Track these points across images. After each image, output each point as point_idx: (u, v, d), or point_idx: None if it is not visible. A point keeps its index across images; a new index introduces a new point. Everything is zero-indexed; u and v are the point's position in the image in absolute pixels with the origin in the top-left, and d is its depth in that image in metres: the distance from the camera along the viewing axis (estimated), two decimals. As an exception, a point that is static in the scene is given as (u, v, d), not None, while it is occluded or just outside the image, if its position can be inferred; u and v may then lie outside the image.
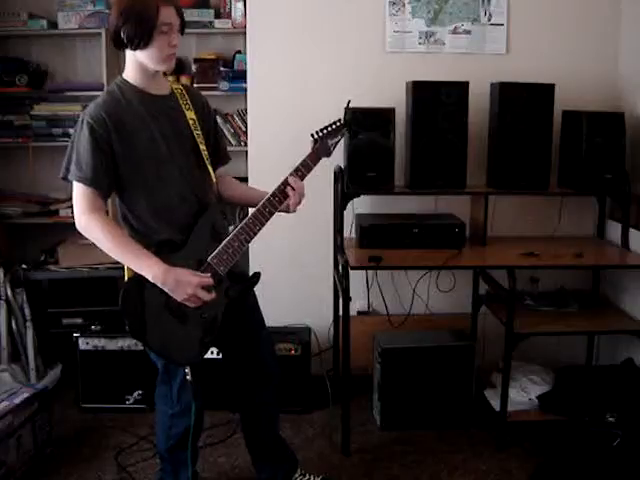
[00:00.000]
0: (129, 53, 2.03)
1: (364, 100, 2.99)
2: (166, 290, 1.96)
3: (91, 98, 3.50)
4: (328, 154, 2.22)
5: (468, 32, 3.22)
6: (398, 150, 2.99)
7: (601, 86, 3.24)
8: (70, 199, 3.64)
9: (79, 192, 1.98)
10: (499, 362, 2.91)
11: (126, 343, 3.09)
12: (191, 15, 3.36)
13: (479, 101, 3.06)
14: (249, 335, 2.30)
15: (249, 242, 2.09)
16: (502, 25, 3.22)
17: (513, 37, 3.23)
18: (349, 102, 2.31)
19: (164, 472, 2.35)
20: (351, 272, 2.74)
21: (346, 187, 2.94)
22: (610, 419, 2.65)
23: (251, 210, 2.15)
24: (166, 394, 2.23)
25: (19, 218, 3.55)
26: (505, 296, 2.76)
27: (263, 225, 2.09)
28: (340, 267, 2.84)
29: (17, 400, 2.59)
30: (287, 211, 2.15)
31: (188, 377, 2.09)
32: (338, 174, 3.03)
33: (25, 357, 3.24)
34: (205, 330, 2.07)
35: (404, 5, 3.19)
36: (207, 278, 2.01)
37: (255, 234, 2.08)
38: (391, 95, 3.07)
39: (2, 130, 3.52)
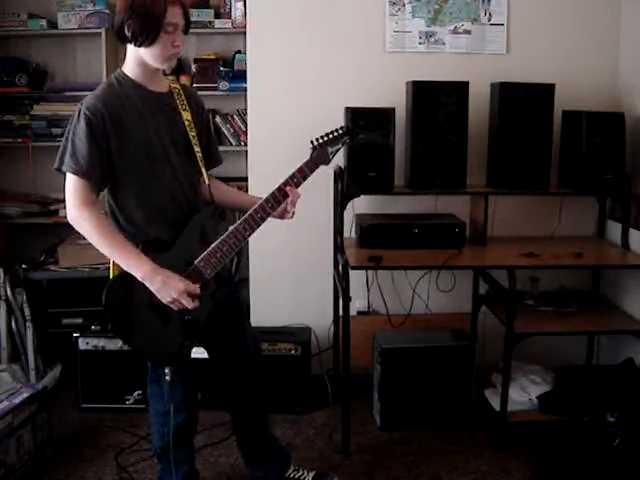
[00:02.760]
0: (131, 47, 2.02)
1: (364, 100, 3.00)
2: (152, 290, 1.95)
3: (91, 98, 3.56)
4: (326, 162, 2.20)
5: (468, 32, 3.22)
6: (398, 150, 2.99)
7: (601, 86, 3.24)
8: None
9: (72, 184, 1.96)
10: (499, 362, 2.91)
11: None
12: (191, 15, 3.35)
13: (479, 101, 3.06)
14: (234, 333, 2.28)
15: (238, 247, 2.07)
16: (502, 25, 3.22)
17: (513, 37, 3.23)
18: (347, 126, 2.25)
19: (163, 471, 2.35)
20: (351, 272, 2.74)
21: (346, 187, 2.94)
22: (610, 419, 2.65)
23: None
24: (157, 393, 2.23)
25: (19, 218, 3.55)
26: (505, 296, 2.76)
27: (254, 231, 2.08)
28: (340, 267, 2.84)
29: (17, 400, 2.59)
30: (281, 217, 2.14)
31: (167, 377, 2.09)
32: (338, 174, 3.03)
33: (25, 357, 3.23)
34: (187, 332, 2.07)
35: (404, 5, 3.19)
36: (194, 286, 1.99)
37: (245, 239, 2.07)
38: (391, 95, 3.06)
39: (2, 130, 3.53)
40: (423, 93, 2.95)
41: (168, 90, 2.12)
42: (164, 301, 1.97)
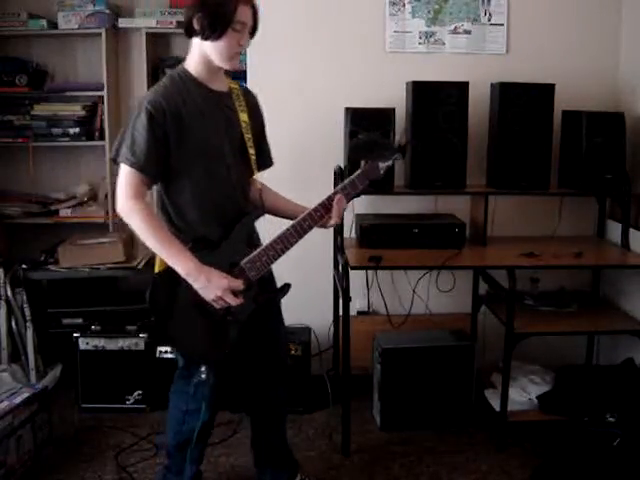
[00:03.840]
0: (196, 44, 2.02)
1: (364, 100, 3.00)
2: (196, 287, 1.96)
3: (91, 98, 3.57)
4: (378, 176, 2.19)
5: (468, 32, 3.22)
6: (398, 150, 2.99)
7: (601, 86, 3.24)
8: (70, 199, 3.68)
9: (127, 176, 1.96)
10: (499, 362, 2.91)
11: (126, 343, 3.09)
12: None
13: (479, 101, 3.06)
14: (271, 338, 2.30)
15: (284, 253, 2.08)
16: (502, 25, 3.22)
17: (513, 37, 3.23)
18: (406, 133, 2.25)
19: (168, 469, 2.33)
20: (351, 272, 2.74)
21: (346, 187, 2.93)
22: (610, 419, 2.65)
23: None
24: (183, 390, 2.22)
25: (19, 218, 3.55)
26: (505, 296, 2.76)
27: (301, 238, 2.09)
28: (340, 267, 2.84)
29: (17, 400, 2.59)
30: (324, 226, 2.14)
31: (203, 376, 2.10)
32: (338, 174, 3.02)
33: (25, 357, 3.24)
34: (228, 331, 2.07)
35: (404, 5, 3.19)
36: (237, 282, 2.00)
37: (292, 245, 2.08)
38: (391, 95, 3.07)
39: (2, 130, 3.53)
40: (423, 93, 2.95)
41: (228, 90, 2.13)
42: (207, 299, 1.98)
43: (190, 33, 2.01)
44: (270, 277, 2.24)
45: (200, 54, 2.02)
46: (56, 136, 3.51)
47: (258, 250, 2.07)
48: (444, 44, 3.23)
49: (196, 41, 2.01)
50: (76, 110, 3.50)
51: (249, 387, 2.38)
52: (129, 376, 3.09)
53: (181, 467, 2.28)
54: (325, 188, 3.07)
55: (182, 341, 2.06)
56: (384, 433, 2.96)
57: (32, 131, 3.52)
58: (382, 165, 2.18)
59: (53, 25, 3.46)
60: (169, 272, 1.97)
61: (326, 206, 2.10)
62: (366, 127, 2.90)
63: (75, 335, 3.10)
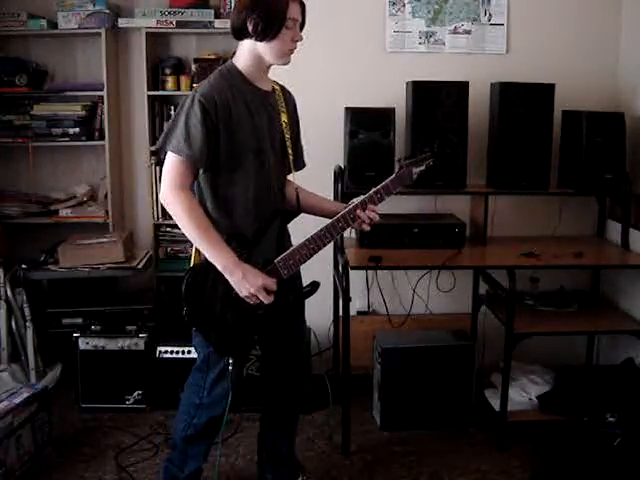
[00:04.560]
0: (247, 43, 2.04)
1: (364, 100, 3.00)
2: (231, 282, 1.98)
3: (91, 98, 3.57)
4: (411, 181, 2.20)
5: (468, 32, 3.22)
6: (398, 150, 2.99)
7: (601, 86, 3.24)
8: (70, 199, 3.67)
9: (176, 166, 1.97)
10: (499, 362, 2.91)
11: (126, 343, 3.09)
12: (191, 15, 3.36)
13: (479, 101, 3.06)
14: (294, 335, 2.32)
15: (316, 252, 2.09)
16: (502, 25, 3.22)
17: (513, 37, 3.23)
18: (436, 144, 2.26)
19: (171, 462, 2.32)
20: (351, 272, 2.73)
21: (346, 187, 2.94)
22: (610, 419, 2.64)
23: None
24: (198, 383, 2.22)
25: (19, 218, 3.54)
26: (505, 296, 2.76)
27: (333, 238, 2.10)
28: (340, 267, 2.84)
29: (17, 400, 2.59)
30: (357, 228, 2.15)
31: (231, 368, 2.11)
32: (338, 174, 3.03)
33: (25, 357, 3.23)
34: (256, 327, 2.09)
35: (404, 5, 3.19)
36: (271, 282, 2.01)
37: (324, 245, 2.09)
38: (391, 95, 3.07)
39: (2, 130, 3.52)
40: (423, 93, 2.95)
41: (272, 90, 2.16)
42: (241, 294, 2.00)
43: (242, 35, 2.03)
44: (298, 275, 2.25)
45: (252, 53, 2.05)
46: (56, 136, 3.50)
47: (292, 249, 2.08)
48: (444, 44, 3.23)
49: (248, 41, 2.03)
50: (76, 110, 3.50)
51: (268, 384, 2.39)
52: (129, 376, 3.08)
53: (184, 460, 2.28)
54: (325, 188, 3.09)
55: (213, 333, 2.07)
56: (384, 433, 2.96)
57: (32, 131, 3.51)
58: (416, 170, 2.19)
59: (53, 25, 3.46)
60: (205, 265, 1.99)
61: (359, 208, 2.10)
62: (366, 127, 2.90)
63: (75, 335, 3.10)
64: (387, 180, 2.14)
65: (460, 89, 2.96)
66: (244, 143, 2.03)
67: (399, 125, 2.98)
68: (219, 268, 1.97)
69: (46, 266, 3.30)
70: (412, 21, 3.21)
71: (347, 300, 2.70)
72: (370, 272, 3.23)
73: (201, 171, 2.02)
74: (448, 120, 2.95)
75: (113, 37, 3.55)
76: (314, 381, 3.19)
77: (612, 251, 3.13)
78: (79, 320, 3.31)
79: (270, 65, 2.09)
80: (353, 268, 2.75)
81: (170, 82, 3.49)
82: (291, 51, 2.07)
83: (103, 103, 3.51)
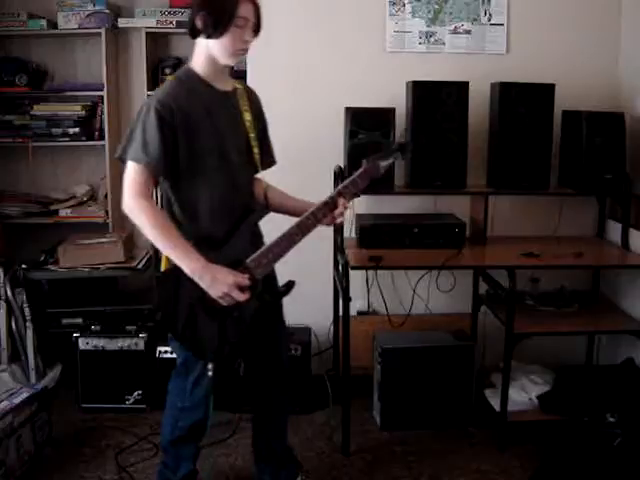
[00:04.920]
0: (201, 44, 2.04)
1: (364, 100, 3.00)
2: (202, 285, 1.97)
3: (91, 98, 3.57)
4: (378, 175, 2.20)
5: (468, 32, 3.22)
6: (398, 150, 2.99)
7: (601, 86, 3.24)
8: (69, 199, 3.67)
9: (135, 174, 1.97)
10: (499, 362, 2.91)
11: (126, 343, 3.09)
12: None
13: (479, 101, 3.06)
14: (273, 337, 2.31)
15: (288, 250, 2.09)
16: (502, 25, 3.22)
17: (513, 37, 3.23)
18: (406, 133, 2.27)
19: (165, 466, 2.34)
20: (351, 272, 2.74)
21: (346, 187, 2.93)
22: (610, 419, 2.64)
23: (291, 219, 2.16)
24: (179, 386, 2.23)
25: (19, 218, 3.55)
26: (505, 296, 2.76)
27: (304, 236, 2.10)
28: (340, 267, 2.84)
29: (17, 400, 2.59)
30: (328, 225, 2.15)
31: (210, 372, 2.10)
32: (338, 174, 3.02)
33: (25, 357, 3.23)
34: (233, 329, 2.08)
35: (404, 5, 3.19)
36: (243, 278, 2.01)
37: (296, 243, 2.09)
38: (391, 95, 3.06)
39: (2, 130, 3.53)
40: (423, 93, 2.95)
41: (232, 89, 2.14)
42: (214, 296, 1.99)
43: (194, 33, 2.02)
44: (273, 275, 2.25)
45: (205, 54, 2.04)
46: (56, 136, 3.51)
47: (263, 248, 2.08)
48: (444, 44, 3.22)
49: (200, 41, 2.03)
50: (76, 110, 3.50)
51: (251, 386, 2.38)
52: (129, 376, 3.09)
53: (177, 464, 2.29)
54: (325, 188, 3.08)
55: (189, 338, 2.07)
56: (384, 433, 2.96)
57: (32, 131, 3.52)
58: (383, 164, 2.19)
59: (53, 25, 3.46)
60: (175, 270, 1.98)
61: (329, 205, 2.11)
62: (366, 127, 2.90)
63: (75, 335, 3.10)
64: (354, 175, 2.16)
65: (460, 89, 2.95)
66: (205, 146, 2.02)
67: (399, 125, 2.98)
68: (188, 272, 1.96)
69: (46, 266, 3.31)
70: (412, 21, 3.21)
71: (347, 300, 2.70)
72: (370, 272, 3.23)
73: (161, 178, 2.02)
74: (448, 120, 2.95)
75: (113, 37, 3.56)
76: (314, 381, 3.20)
77: (612, 251, 3.13)
78: (79, 320, 3.31)
79: (225, 65, 2.07)
80: (353, 268, 2.75)
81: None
82: (242, 51, 2.04)
83: (103, 103, 3.52)
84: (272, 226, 2.19)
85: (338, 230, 2.98)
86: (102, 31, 3.41)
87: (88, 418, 3.06)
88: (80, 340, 3.09)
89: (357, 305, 3.31)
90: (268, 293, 2.14)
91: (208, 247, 2.02)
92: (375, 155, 2.19)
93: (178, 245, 1.97)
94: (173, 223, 2.04)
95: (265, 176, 2.29)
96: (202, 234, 2.05)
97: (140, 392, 3.09)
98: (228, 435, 2.89)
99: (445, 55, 3.23)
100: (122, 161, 2.01)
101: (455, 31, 3.22)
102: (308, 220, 2.09)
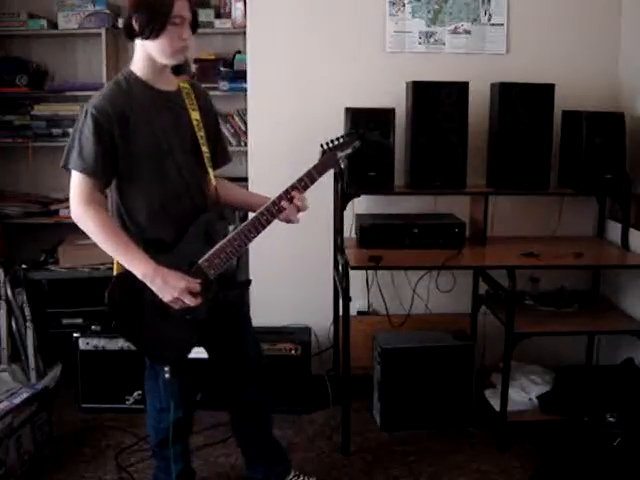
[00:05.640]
0: (139, 45, 2.02)
1: (364, 100, 3.00)
2: (153, 289, 1.97)
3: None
4: (336, 166, 2.17)
5: (468, 32, 3.22)
6: (398, 150, 2.99)
7: (601, 86, 3.24)
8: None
9: (78, 182, 1.97)
10: (499, 362, 2.91)
11: (126, 343, 3.08)
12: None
13: (479, 101, 3.06)
14: (234, 334, 2.28)
15: (243, 248, 2.07)
16: (502, 25, 3.22)
17: (513, 37, 3.23)
18: (357, 131, 2.24)
19: (158, 468, 2.35)
20: (351, 272, 2.74)
21: (346, 187, 2.94)
22: (610, 419, 2.64)
23: (250, 214, 2.14)
24: (154, 388, 2.23)
25: (19, 218, 3.55)
26: (505, 296, 2.76)
27: (259, 233, 2.07)
28: (340, 267, 2.84)
29: (17, 400, 2.59)
30: (287, 221, 2.12)
31: (167, 375, 2.10)
32: (338, 174, 3.02)
33: (25, 357, 3.23)
34: (186, 331, 2.07)
35: (404, 5, 3.19)
36: (194, 284, 2.00)
37: (250, 241, 2.07)
38: (391, 95, 3.06)
39: (2, 130, 3.53)
40: (423, 93, 2.95)
41: (177, 89, 2.12)
42: (165, 300, 1.98)
43: (131, 35, 2.00)
44: (233, 273, 2.22)
45: (144, 55, 2.02)
46: (56, 136, 3.51)
47: (215, 248, 2.05)
48: (444, 44, 3.22)
49: (138, 42, 2.01)
50: (76, 110, 3.50)
51: (223, 386, 2.39)
52: (129, 376, 3.08)
53: (167, 464, 2.29)
54: (325, 188, 3.09)
55: (143, 342, 2.07)
56: (384, 433, 2.95)
57: (32, 131, 3.52)
58: (340, 154, 2.13)
59: (53, 25, 3.46)
60: (127, 274, 1.97)
61: (284, 199, 2.07)
62: (366, 127, 2.90)
63: (75, 335, 3.10)
64: (310, 167, 2.11)
65: (460, 89, 2.95)
66: (146, 149, 2.00)
67: (399, 125, 2.98)
68: (139, 276, 1.95)
69: (46, 266, 3.31)
70: (412, 21, 3.21)
71: (347, 300, 2.70)
72: (370, 272, 3.23)
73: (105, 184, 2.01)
74: (448, 120, 2.95)
75: (113, 37, 3.56)
76: (314, 381, 3.20)
77: (612, 251, 3.12)
78: (79, 320, 3.32)
79: (165, 64, 2.04)
80: (353, 268, 2.75)
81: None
82: (182, 49, 2.01)
83: (103, 103, 3.51)
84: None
85: (338, 230, 2.98)
86: (102, 31, 3.41)
87: (88, 418, 3.06)
88: (80, 340, 3.09)
89: (357, 305, 3.31)
90: (223, 292, 2.11)
91: (156, 250, 2.00)
92: (332, 145, 2.13)
93: (128, 249, 1.96)
94: (123, 228, 2.03)
95: (265, 177, 2.29)
96: (148, 237, 2.03)
97: (140, 392, 3.09)
98: (228, 435, 2.88)
99: (445, 55, 3.23)
100: (66, 170, 2.00)
101: (455, 31, 3.22)
102: (263, 217, 2.06)
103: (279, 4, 3.18)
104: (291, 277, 3.36)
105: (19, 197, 3.63)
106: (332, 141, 2.14)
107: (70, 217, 3.63)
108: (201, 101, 2.16)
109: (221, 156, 2.26)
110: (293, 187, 2.09)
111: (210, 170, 2.14)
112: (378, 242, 2.96)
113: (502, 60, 3.22)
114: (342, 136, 2.16)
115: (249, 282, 2.18)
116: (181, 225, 2.06)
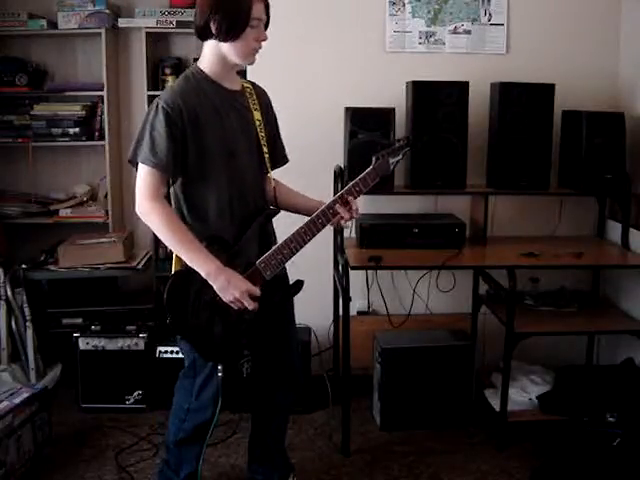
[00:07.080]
0: (211, 44, 2.02)
1: (364, 100, 3.00)
2: (215, 287, 1.97)
3: (91, 98, 3.57)
4: (388, 172, 2.18)
5: (468, 32, 3.22)
6: (398, 150, 2.99)
7: (601, 86, 3.24)
8: (69, 199, 3.67)
9: (147, 176, 1.96)
10: (499, 362, 2.91)
11: (126, 343, 3.09)
12: (191, 15, 3.35)
13: (479, 101, 3.06)
14: (282, 337, 2.30)
15: (298, 250, 2.09)
16: (502, 25, 3.22)
17: (513, 37, 3.23)
18: (409, 138, 2.25)
19: (166, 465, 2.33)
20: (351, 272, 2.74)
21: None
22: (610, 419, 2.65)
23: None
24: (186, 388, 2.22)
25: (19, 218, 3.55)
26: (505, 296, 2.76)
27: (314, 235, 2.09)
28: (340, 267, 2.84)
29: (17, 400, 2.59)
30: (338, 225, 2.14)
31: (220, 374, 2.10)
32: (338, 174, 3.03)
33: (25, 357, 3.23)
34: (243, 331, 2.08)
35: (404, 5, 3.19)
36: (255, 288, 2.01)
37: (305, 243, 2.08)
38: (391, 95, 3.07)
39: (2, 130, 3.53)
40: (423, 93, 2.95)
41: (241, 88, 2.13)
42: (225, 300, 1.99)
43: (205, 36, 2.00)
44: (284, 275, 2.24)
45: (216, 54, 2.02)
46: (56, 136, 3.51)
47: (273, 249, 2.07)
48: (444, 44, 3.23)
49: (211, 42, 2.01)
50: (76, 110, 3.50)
51: (256, 387, 2.38)
52: (129, 376, 3.09)
53: (179, 463, 2.28)
54: (325, 188, 3.09)
55: (199, 340, 2.06)
56: (384, 433, 2.96)
57: (32, 131, 3.51)
58: (392, 160, 2.17)
59: (53, 25, 3.46)
60: (187, 272, 1.98)
61: (339, 204, 2.09)
62: (366, 127, 2.90)
63: (75, 335, 3.10)
64: (364, 173, 2.13)
65: (460, 89, 2.95)
66: (214, 146, 2.01)
67: (399, 125, 2.98)
68: (203, 274, 1.95)
69: (46, 266, 3.31)
70: (412, 21, 3.21)
71: (347, 300, 2.70)
72: (370, 272, 3.23)
73: (171, 179, 2.02)
74: (448, 120, 2.95)
75: (113, 37, 3.56)
76: (314, 381, 3.20)
77: (612, 251, 3.12)
78: (79, 320, 3.31)
79: (235, 64, 2.06)
80: (353, 268, 2.76)
81: (170, 82, 3.49)
82: (255, 50, 2.04)
83: (103, 103, 3.52)
84: (276, 223, 2.19)
85: (338, 230, 2.98)
86: (102, 31, 3.41)
87: (88, 418, 3.06)
88: (80, 340, 3.09)
89: (357, 305, 3.31)
90: (278, 294, 2.13)
91: (219, 248, 2.01)
92: (383, 151, 2.16)
93: (193, 247, 1.96)
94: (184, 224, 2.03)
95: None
96: (212, 235, 2.03)
97: (140, 392, 3.09)
98: (228, 435, 2.89)
99: (445, 55, 3.23)
100: (133, 164, 2.00)
101: (455, 31, 3.22)
102: (318, 219, 2.08)
103: (279, 4, 3.16)
104: (291, 277, 3.34)
105: (19, 197, 3.63)
106: (383, 147, 2.18)
107: (70, 217, 3.64)
108: (262, 101, 2.18)
109: (280, 156, 2.27)
110: (348, 192, 2.11)
111: (270, 171, 2.16)
112: (378, 242, 2.96)
113: (502, 60, 3.22)
114: (394, 142, 2.20)
115: (301, 284, 2.17)
116: (242, 225, 2.07)
